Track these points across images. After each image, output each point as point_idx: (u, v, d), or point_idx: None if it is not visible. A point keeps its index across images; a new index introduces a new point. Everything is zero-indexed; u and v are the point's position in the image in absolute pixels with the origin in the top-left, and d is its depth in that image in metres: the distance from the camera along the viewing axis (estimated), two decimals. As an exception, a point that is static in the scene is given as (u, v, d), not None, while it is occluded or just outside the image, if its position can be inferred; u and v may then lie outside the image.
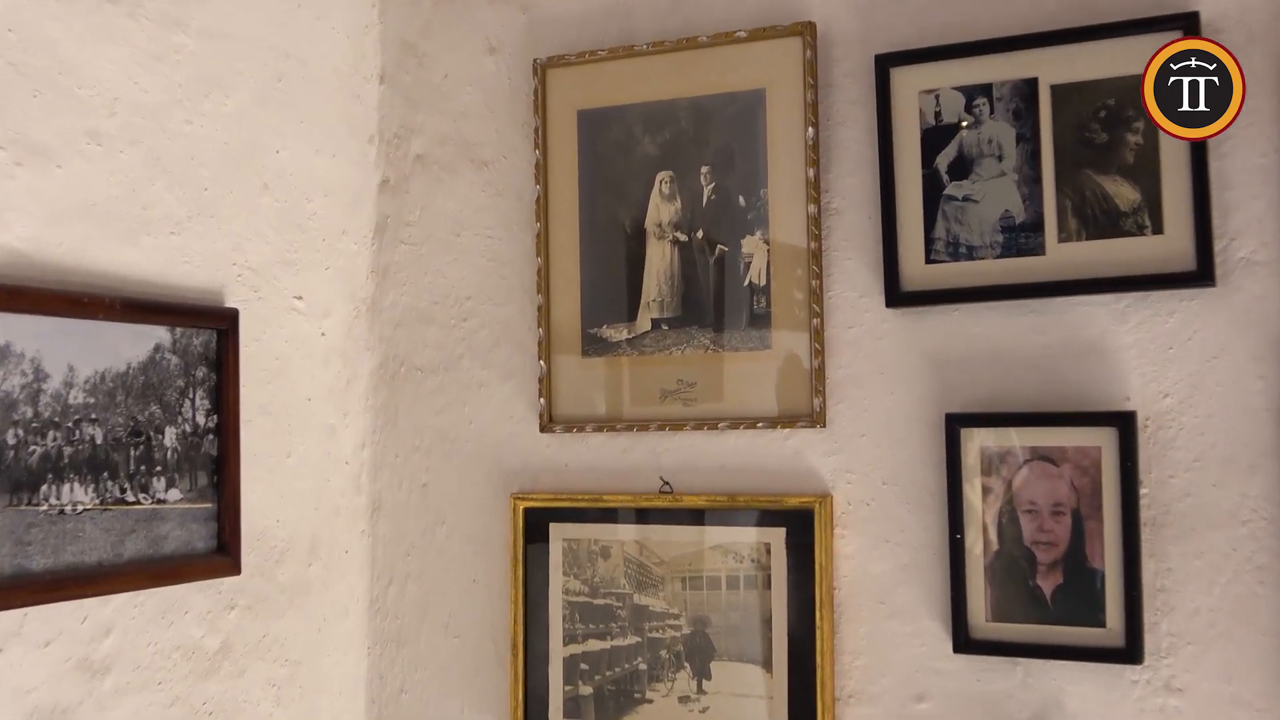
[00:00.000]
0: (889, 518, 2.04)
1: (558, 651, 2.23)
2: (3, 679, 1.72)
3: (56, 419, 1.79)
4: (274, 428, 2.18)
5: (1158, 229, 1.86)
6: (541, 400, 2.27)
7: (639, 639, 2.19)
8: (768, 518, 2.10)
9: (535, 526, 2.26)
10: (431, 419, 2.40)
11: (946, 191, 1.99)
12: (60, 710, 1.78)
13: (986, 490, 1.94)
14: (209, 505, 2.01)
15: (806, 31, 2.09)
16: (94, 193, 1.86)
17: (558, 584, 2.24)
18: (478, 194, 2.38)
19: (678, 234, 2.20)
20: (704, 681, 2.13)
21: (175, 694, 1.96)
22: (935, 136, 2.00)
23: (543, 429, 2.27)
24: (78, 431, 1.82)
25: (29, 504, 1.74)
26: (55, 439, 1.79)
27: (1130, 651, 1.85)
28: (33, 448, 1.75)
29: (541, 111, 2.29)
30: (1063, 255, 1.91)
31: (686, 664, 2.15)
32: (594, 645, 2.22)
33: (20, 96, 1.76)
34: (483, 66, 2.39)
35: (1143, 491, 1.88)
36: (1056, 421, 1.91)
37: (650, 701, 2.17)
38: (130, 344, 1.89)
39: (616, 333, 2.23)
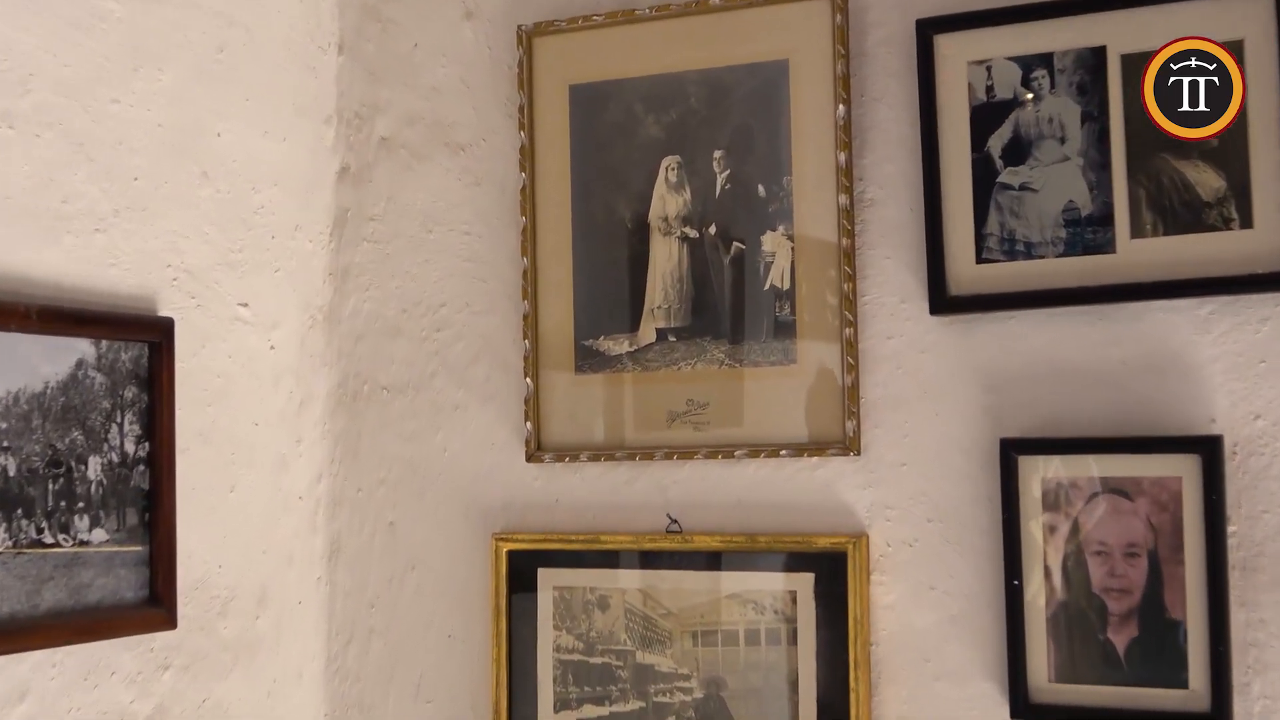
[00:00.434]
0: (935, 561, 2.06)
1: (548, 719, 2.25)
2: (-101, 751, 1.73)
3: (-38, 447, 1.80)
4: (215, 458, 2.19)
5: (1246, 222, 1.88)
6: (528, 425, 2.28)
7: (643, 704, 2.20)
8: (793, 562, 2.11)
9: (521, 573, 2.27)
10: (399, 447, 2.41)
11: (1000, 179, 2.01)
12: (-34, 788, 1.79)
13: (1049, 529, 1.96)
14: (139, 548, 2.02)
15: (836, -7, 2.11)
16: (5, 184, 1.87)
17: (547, 640, 2.25)
18: (453, 183, 2.40)
19: (687, 229, 2.21)
20: (719, 754, 2.15)
21: (100, 769, 1.97)
22: (987, 115, 2.02)
23: (529, 458, 2.28)
24: (-13, 462, 1.84)
25: (-70, 547, 1.76)
26: (-40, 471, 1.80)
27: (1217, 717, 1.85)
28: (-66, 481, 1.77)
29: (527, 87, 2.30)
30: (1136, 253, 1.93)
31: (698, 733, 2.16)
32: (590, 712, 2.23)
33: (-80, 72, 1.78)
34: (459, 34, 2.41)
35: (1230, 529, 1.89)
36: (1130, 448, 1.92)
37: (656, 777, 2.19)
38: (48, 359, 1.91)
39: (616, 345, 2.25)
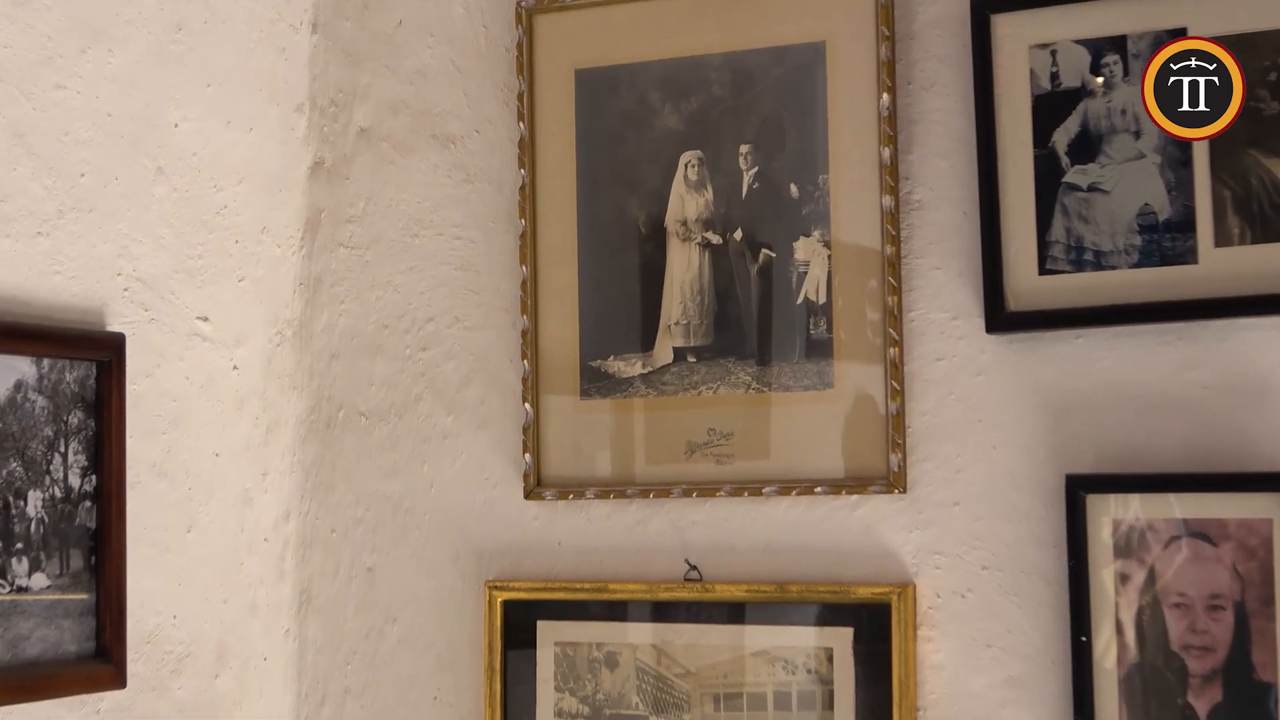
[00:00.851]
0: (991, 615, 2.07)
1: (547, 794, 2.27)
2: None
3: (-114, 480, 1.83)
4: (170, 493, 2.20)
5: (1347, 229, 1.91)
6: (527, 456, 2.30)
7: (656, 777, 2.22)
8: (829, 614, 2.12)
9: (518, 626, 2.28)
10: (379, 482, 2.43)
11: (1066, 179, 2.03)
12: None
13: (1121, 578, 1.97)
14: (84, 596, 2.03)
15: (880, -34, 2.13)
16: (-63, 181, 1.90)
17: (548, 703, 2.27)
18: (442, 181, 2.42)
19: (709, 235, 2.23)
20: (744, 835, 2.16)
21: (38, 847, 1.99)
22: (1052, 106, 2.04)
23: (528, 495, 2.30)
24: (-86, 496, 1.85)
25: None
26: (-116, 506, 1.82)
27: (1312, 793, 1.88)
28: None
29: (527, 72, 2.33)
30: (1221, 264, 1.95)
31: (720, 811, 2.18)
32: (596, 786, 2.25)
33: None
34: (449, 10, 2.43)
35: (1329, 579, 1.91)
36: (1214, 486, 1.93)
37: None
38: (-17, 381, 1.92)
39: (627, 366, 2.27)
